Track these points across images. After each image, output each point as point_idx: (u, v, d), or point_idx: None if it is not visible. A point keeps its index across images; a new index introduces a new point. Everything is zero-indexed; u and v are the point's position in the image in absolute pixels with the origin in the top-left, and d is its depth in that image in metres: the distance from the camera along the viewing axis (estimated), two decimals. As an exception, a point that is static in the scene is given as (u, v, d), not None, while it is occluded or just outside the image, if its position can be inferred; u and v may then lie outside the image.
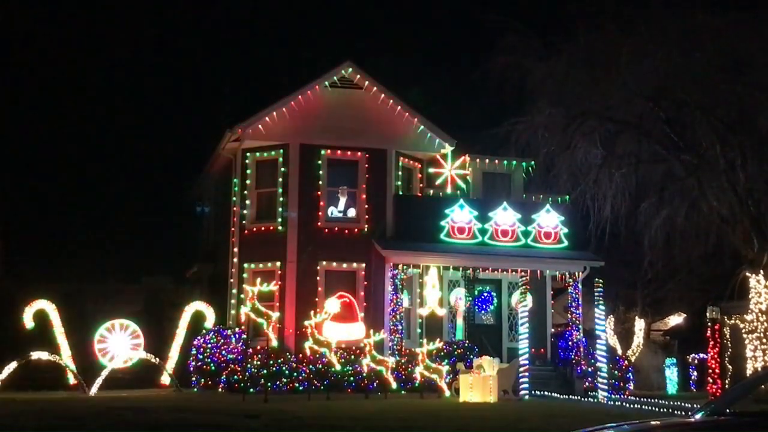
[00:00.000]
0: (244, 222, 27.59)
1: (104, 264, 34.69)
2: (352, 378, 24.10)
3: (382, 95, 27.98)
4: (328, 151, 27.55)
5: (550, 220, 28.07)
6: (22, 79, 48.36)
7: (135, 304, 29.79)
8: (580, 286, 27.79)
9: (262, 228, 27.44)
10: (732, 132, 24.63)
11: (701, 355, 30.32)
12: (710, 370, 25.02)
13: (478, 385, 21.76)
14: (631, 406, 21.90)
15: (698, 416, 7.81)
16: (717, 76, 24.27)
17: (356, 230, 27.33)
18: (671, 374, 33.67)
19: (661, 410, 20.51)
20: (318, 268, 26.87)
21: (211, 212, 33.74)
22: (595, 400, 23.80)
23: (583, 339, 27.33)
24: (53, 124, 48.40)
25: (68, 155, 46.70)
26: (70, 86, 49.62)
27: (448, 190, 28.72)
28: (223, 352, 25.30)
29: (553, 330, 29.08)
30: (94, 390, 23.38)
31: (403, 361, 24.83)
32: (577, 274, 27.66)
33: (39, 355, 23.70)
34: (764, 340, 24.67)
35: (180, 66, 53.53)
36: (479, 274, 28.00)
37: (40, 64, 49.31)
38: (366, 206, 27.53)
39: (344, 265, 27.20)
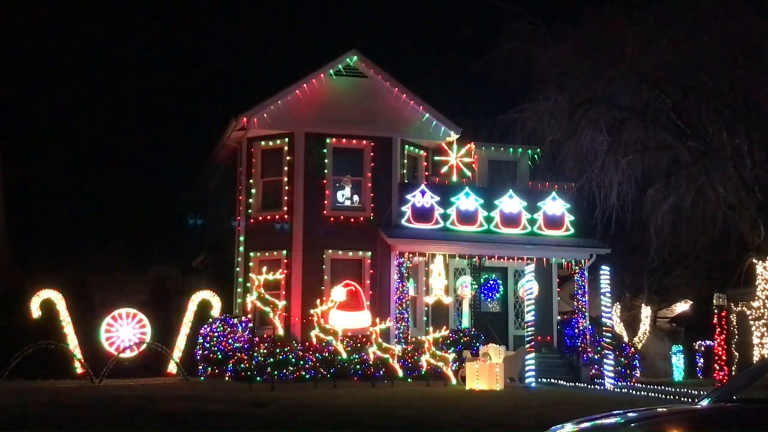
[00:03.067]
0: (249, 211, 27.63)
1: (110, 253, 34.69)
2: (358, 366, 24.14)
3: (387, 83, 27.93)
4: (334, 139, 27.54)
5: (556, 207, 28.02)
6: (25, 75, 48.38)
7: (141, 293, 29.78)
8: (587, 274, 27.77)
9: (268, 217, 27.46)
10: (739, 118, 24.54)
11: (708, 342, 30.32)
12: (717, 357, 25.00)
13: (485, 373, 21.81)
14: (638, 393, 21.91)
15: (705, 403, 7.81)
16: (723, 63, 24.19)
17: (362, 218, 27.33)
18: (678, 361, 33.69)
19: (668, 397, 20.53)
20: (324, 256, 26.90)
21: (216, 204, 33.71)
22: (602, 388, 23.79)
23: (590, 326, 27.33)
24: (58, 116, 48.42)
25: (74, 146, 46.71)
26: (73, 82, 49.59)
27: (454, 177, 28.66)
28: (230, 340, 25.35)
29: (559, 317, 29.08)
30: (101, 379, 23.43)
31: (409, 349, 24.87)
32: (583, 261, 27.62)
33: (46, 344, 23.74)
34: (771, 327, 24.64)
35: (181, 61, 53.47)
36: (485, 262, 27.96)
37: (42, 59, 49.30)
38: (371, 194, 27.51)
39: (350, 254, 27.22)
